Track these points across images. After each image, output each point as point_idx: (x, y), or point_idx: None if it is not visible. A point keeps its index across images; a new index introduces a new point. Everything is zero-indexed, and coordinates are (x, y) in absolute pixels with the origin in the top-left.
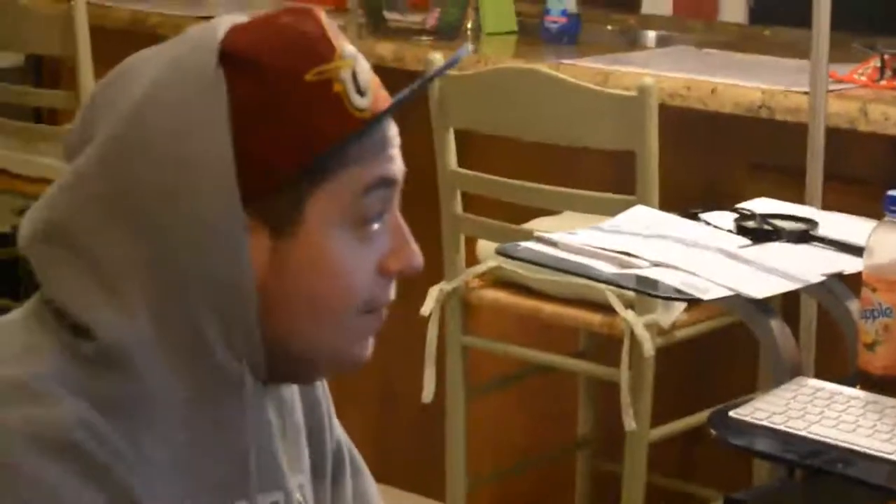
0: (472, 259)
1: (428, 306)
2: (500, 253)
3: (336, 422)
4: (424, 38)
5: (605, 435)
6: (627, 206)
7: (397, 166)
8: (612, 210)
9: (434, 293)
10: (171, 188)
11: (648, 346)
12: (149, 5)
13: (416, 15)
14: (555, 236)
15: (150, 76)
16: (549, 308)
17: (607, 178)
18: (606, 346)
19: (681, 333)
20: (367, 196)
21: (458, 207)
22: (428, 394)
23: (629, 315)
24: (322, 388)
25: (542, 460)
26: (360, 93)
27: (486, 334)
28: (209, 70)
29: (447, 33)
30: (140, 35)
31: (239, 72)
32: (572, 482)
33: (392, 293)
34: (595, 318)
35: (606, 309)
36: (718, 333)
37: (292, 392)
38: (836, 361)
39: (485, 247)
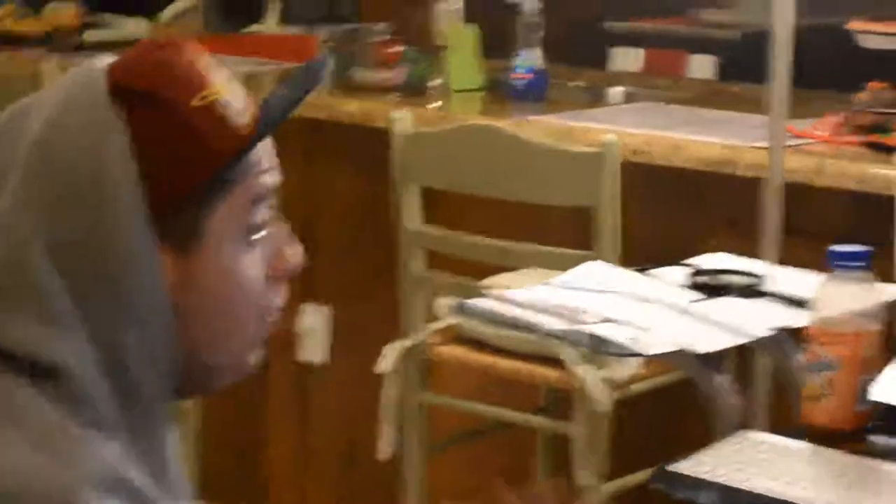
0: (432, 315)
1: (387, 363)
2: (451, 310)
3: None
4: (391, 95)
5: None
6: (588, 261)
7: (275, 175)
8: (573, 265)
9: (393, 350)
10: (85, 217)
11: (602, 401)
12: None
13: (383, 72)
14: (507, 293)
15: (44, 117)
16: (506, 364)
17: (571, 234)
18: (567, 401)
19: (637, 387)
20: (257, 207)
21: (421, 265)
22: (385, 451)
23: (583, 370)
24: None
25: None
26: (239, 113)
27: (446, 391)
28: (101, 102)
29: (414, 90)
30: None
31: (132, 105)
32: None
33: (282, 297)
34: (552, 374)
35: (563, 364)
36: (676, 387)
37: None
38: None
39: (444, 303)
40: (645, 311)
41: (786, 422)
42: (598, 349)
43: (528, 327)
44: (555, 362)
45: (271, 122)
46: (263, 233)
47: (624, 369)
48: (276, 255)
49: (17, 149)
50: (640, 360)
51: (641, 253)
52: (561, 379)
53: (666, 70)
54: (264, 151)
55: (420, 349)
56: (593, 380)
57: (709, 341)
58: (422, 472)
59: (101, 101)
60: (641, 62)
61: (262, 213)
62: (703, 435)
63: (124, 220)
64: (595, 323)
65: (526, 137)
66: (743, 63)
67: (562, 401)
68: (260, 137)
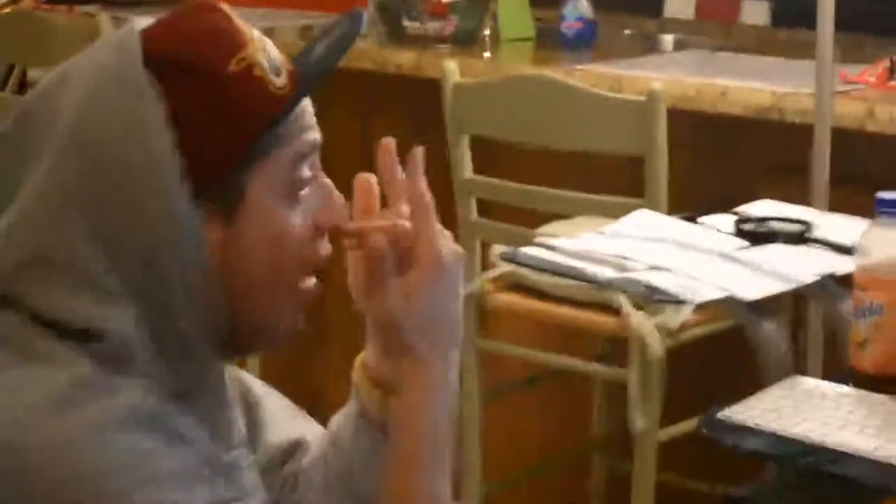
0: (488, 263)
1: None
2: (503, 258)
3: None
4: (442, 46)
5: (620, 436)
6: (638, 208)
7: (316, 131)
8: (624, 212)
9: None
10: (127, 192)
11: (655, 348)
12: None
13: (434, 23)
14: (554, 241)
15: (79, 91)
16: (562, 311)
17: (622, 182)
18: (624, 348)
19: (689, 334)
20: (299, 165)
21: (474, 213)
22: None
23: (638, 318)
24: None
25: (558, 463)
26: (277, 71)
27: (501, 338)
28: (139, 77)
29: (465, 41)
30: None
31: (169, 75)
32: (589, 484)
33: (325, 250)
34: (608, 321)
35: (618, 311)
36: (727, 333)
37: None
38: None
39: (499, 251)
40: (693, 259)
41: (838, 368)
42: (648, 297)
43: (578, 276)
44: (609, 310)
45: (309, 81)
46: (306, 189)
47: (677, 316)
48: (320, 209)
49: (53, 126)
50: (691, 307)
51: (689, 201)
52: (615, 326)
53: (719, 16)
54: (303, 109)
55: (476, 297)
56: (647, 327)
57: (756, 288)
58: (479, 419)
59: (137, 75)
60: (693, 9)
61: (305, 170)
62: (753, 381)
63: (165, 193)
64: (644, 271)
65: (575, 85)
66: (796, 8)
67: (619, 348)
68: (298, 98)
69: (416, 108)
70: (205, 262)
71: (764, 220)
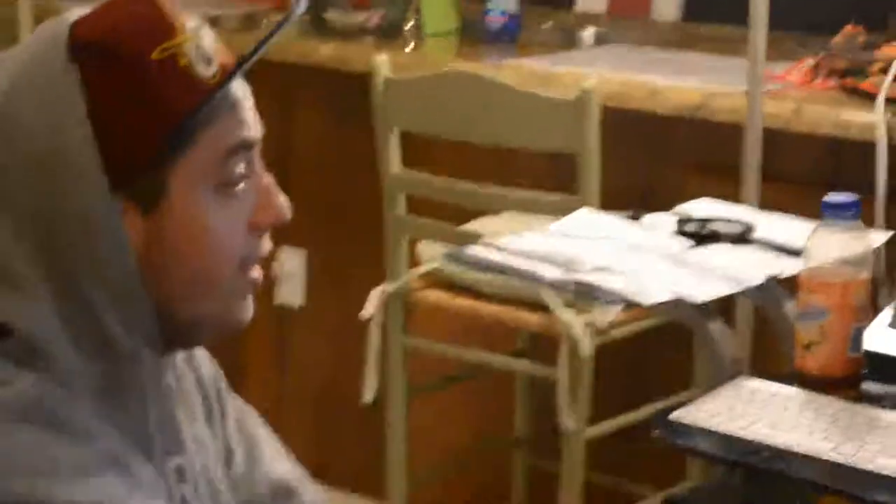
0: (414, 260)
1: (370, 308)
2: (448, 259)
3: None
4: (367, 38)
5: (541, 433)
6: (569, 205)
7: (253, 128)
8: (554, 210)
9: (376, 294)
10: (43, 185)
11: (585, 346)
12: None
13: (358, 14)
14: (501, 241)
15: (7, 78)
16: (488, 309)
17: (546, 178)
18: (543, 345)
19: (617, 332)
20: (228, 161)
21: (402, 210)
22: (369, 395)
23: (567, 315)
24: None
25: (481, 460)
26: (207, 62)
27: (427, 335)
28: (61, 64)
29: (389, 33)
30: None
31: (89, 63)
32: (511, 481)
33: (265, 248)
34: (534, 319)
35: (545, 309)
36: (653, 332)
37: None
38: (771, 359)
39: (426, 248)
40: (640, 260)
41: (767, 367)
42: (596, 298)
43: (524, 277)
44: (537, 307)
45: (232, 72)
46: (242, 186)
47: (605, 315)
48: (258, 207)
49: None
50: (620, 306)
51: (619, 198)
52: (543, 324)
53: (631, 11)
54: (237, 103)
55: (403, 294)
56: (577, 325)
57: (706, 290)
58: (404, 416)
59: (60, 62)
60: (606, 3)
61: (237, 165)
62: (679, 378)
63: (82, 184)
64: (591, 272)
65: (507, 84)
66: (706, 3)
67: (539, 345)
68: (221, 87)
69: (338, 101)
70: (124, 255)
71: (706, 220)
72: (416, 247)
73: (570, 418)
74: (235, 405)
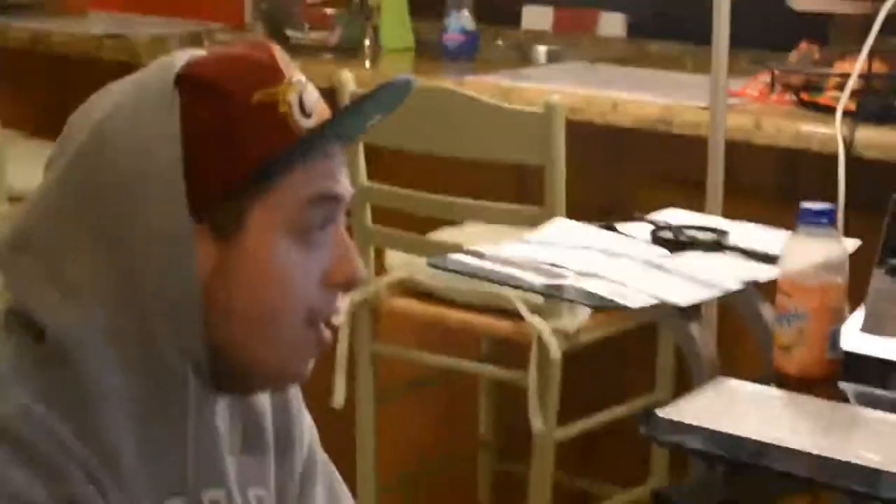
0: (381, 269)
1: (341, 315)
2: (430, 265)
3: (307, 429)
4: (326, 55)
5: (506, 436)
6: (534, 217)
7: (341, 185)
8: (519, 221)
9: (345, 302)
10: (126, 198)
11: (555, 350)
12: (54, 25)
13: (318, 33)
14: (483, 249)
15: (114, 98)
16: (457, 316)
17: (510, 190)
18: (507, 350)
19: (585, 337)
20: (309, 208)
21: (369, 220)
22: (338, 400)
23: (536, 321)
24: (296, 396)
25: (448, 463)
26: (306, 115)
27: (394, 342)
28: (166, 90)
29: (348, 51)
30: (39, 55)
31: (193, 93)
32: (477, 483)
33: (337, 306)
34: (503, 325)
35: (512, 315)
36: (618, 337)
37: (264, 401)
38: (740, 363)
39: (394, 257)
40: (618, 266)
41: (732, 368)
42: (581, 302)
43: (510, 283)
44: (502, 314)
45: (332, 131)
46: (319, 238)
47: (574, 321)
48: (335, 266)
49: (82, 128)
50: (588, 311)
51: (582, 210)
52: (513, 330)
53: (577, 27)
54: (331, 158)
55: (371, 301)
56: (546, 330)
57: (686, 294)
58: (373, 420)
59: (165, 88)
60: (551, 20)
61: (316, 216)
62: (642, 382)
63: (164, 202)
64: (574, 277)
65: (475, 97)
66: (650, 20)
67: (501, 351)
68: (313, 142)
69: None
70: (191, 281)
71: (680, 228)
72: (384, 256)
73: (540, 420)
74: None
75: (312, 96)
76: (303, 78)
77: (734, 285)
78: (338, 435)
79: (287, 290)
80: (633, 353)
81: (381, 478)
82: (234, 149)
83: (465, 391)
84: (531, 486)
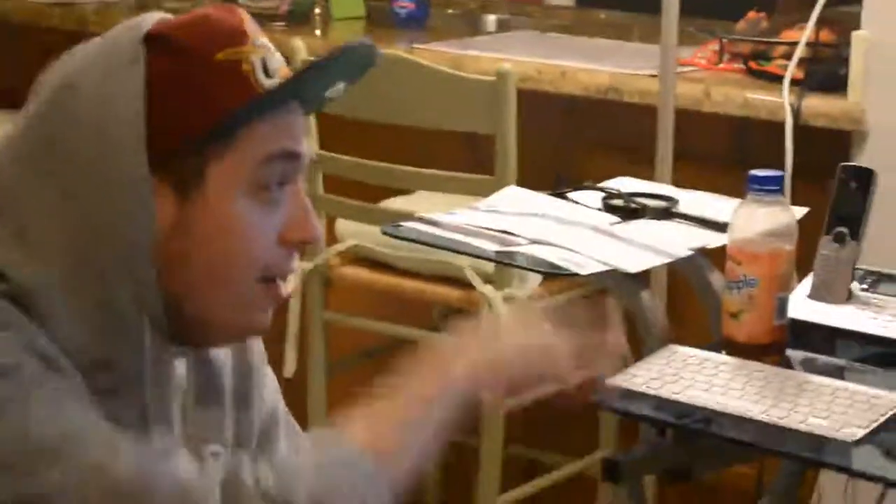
0: (332, 238)
1: (289, 284)
2: (385, 233)
3: (271, 387)
4: (277, 24)
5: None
6: (486, 186)
7: (301, 144)
8: (472, 189)
9: (297, 271)
10: (86, 149)
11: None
12: None
13: (269, 1)
14: (437, 216)
15: (83, 54)
16: (408, 284)
17: (460, 159)
18: (459, 319)
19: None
20: (268, 165)
21: (320, 189)
22: (290, 369)
23: (487, 289)
24: (259, 353)
25: None
26: (269, 76)
27: (346, 311)
28: (133, 47)
29: (299, 19)
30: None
31: (158, 49)
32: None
33: (293, 264)
34: (454, 293)
35: (464, 284)
36: (569, 306)
37: (223, 357)
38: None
39: (344, 226)
40: (571, 234)
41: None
42: (534, 269)
43: (463, 250)
44: (453, 282)
45: (294, 90)
46: (276, 195)
47: (525, 289)
48: (290, 222)
49: (51, 83)
50: (539, 279)
51: (532, 178)
52: (463, 298)
53: None
54: (292, 118)
55: (322, 270)
56: (496, 298)
57: (636, 261)
58: (325, 390)
59: (133, 44)
60: None
61: (275, 173)
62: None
63: (124, 154)
64: (527, 245)
65: (426, 65)
66: None
67: (454, 319)
68: (276, 93)
69: None
70: (150, 233)
71: (631, 196)
72: (335, 225)
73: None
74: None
75: (277, 60)
76: (269, 44)
77: (683, 252)
78: (289, 405)
79: (244, 246)
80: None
81: None
82: (195, 103)
83: None
84: (482, 458)
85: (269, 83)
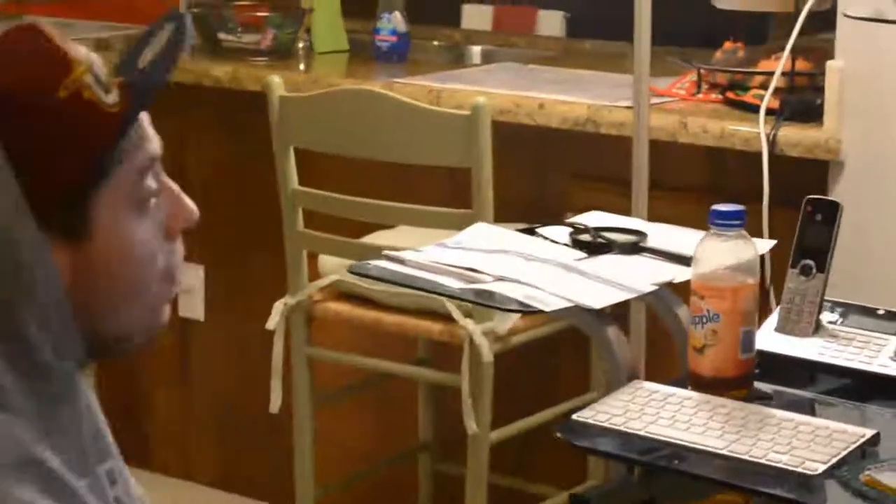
0: (315, 273)
1: (273, 320)
2: (352, 272)
3: None
4: (259, 58)
5: (444, 438)
6: (464, 219)
7: (155, 141)
8: (451, 223)
9: (279, 307)
10: None
11: (487, 352)
12: None
13: (251, 36)
14: (403, 254)
15: None
16: (390, 319)
17: (442, 193)
18: (443, 353)
19: (516, 339)
20: (143, 178)
21: (301, 224)
22: (275, 404)
23: (468, 323)
24: None
25: (387, 465)
26: (106, 90)
27: (329, 346)
28: None
29: (281, 53)
30: None
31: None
32: (417, 485)
33: (180, 253)
34: (435, 328)
35: (445, 318)
36: (551, 338)
37: None
38: (667, 363)
39: (327, 261)
40: (535, 270)
41: (663, 370)
42: (497, 307)
43: (428, 288)
44: (437, 317)
45: (143, 95)
46: (154, 199)
47: (505, 323)
48: (169, 214)
49: None
50: (518, 314)
51: (511, 210)
52: (444, 332)
53: (516, 27)
54: (139, 121)
55: (305, 306)
56: (477, 333)
57: (599, 297)
58: (310, 424)
59: None
60: (490, 20)
61: (150, 182)
62: (576, 382)
63: (7, 228)
64: (493, 282)
65: (401, 99)
66: (589, 20)
67: (437, 353)
68: (133, 115)
69: (234, 121)
70: (56, 288)
71: (599, 231)
72: (317, 260)
73: (474, 422)
74: None
75: (101, 67)
76: (80, 47)
77: (647, 287)
78: (275, 440)
79: (145, 263)
80: (566, 354)
81: (319, 482)
82: (61, 153)
83: (402, 394)
84: (467, 487)
85: (111, 99)
